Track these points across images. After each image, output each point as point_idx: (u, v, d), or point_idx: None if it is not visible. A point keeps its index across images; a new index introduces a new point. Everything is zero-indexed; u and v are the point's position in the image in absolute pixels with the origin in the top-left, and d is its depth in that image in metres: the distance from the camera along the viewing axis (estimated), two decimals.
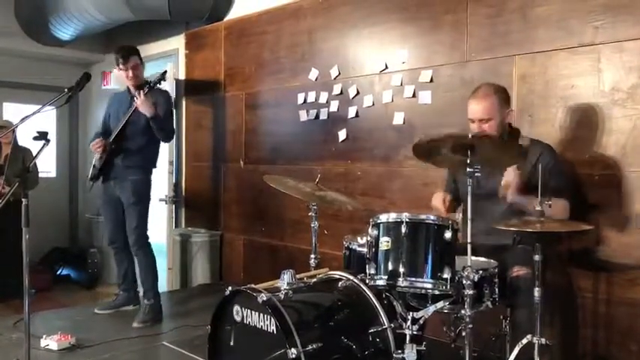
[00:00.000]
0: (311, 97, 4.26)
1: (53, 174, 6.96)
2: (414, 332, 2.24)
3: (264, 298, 2.15)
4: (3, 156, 5.17)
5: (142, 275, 3.98)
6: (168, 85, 5.24)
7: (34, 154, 5.81)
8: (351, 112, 3.98)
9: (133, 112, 3.80)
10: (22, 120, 2.70)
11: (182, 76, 5.52)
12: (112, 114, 4.05)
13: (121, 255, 4.09)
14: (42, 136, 3.60)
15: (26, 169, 2.90)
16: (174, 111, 4.12)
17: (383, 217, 2.34)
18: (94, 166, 4.00)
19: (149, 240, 4.00)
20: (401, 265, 2.23)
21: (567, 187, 2.63)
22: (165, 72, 3.99)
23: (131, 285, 4.15)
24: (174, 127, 4.12)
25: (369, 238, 2.37)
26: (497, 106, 2.63)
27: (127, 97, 3.96)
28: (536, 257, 2.27)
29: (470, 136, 2.21)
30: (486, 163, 2.33)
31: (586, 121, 2.90)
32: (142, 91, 3.73)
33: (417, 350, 2.21)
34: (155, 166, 4.10)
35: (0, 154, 5.27)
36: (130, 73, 3.88)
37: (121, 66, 3.89)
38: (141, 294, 4.08)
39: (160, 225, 5.90)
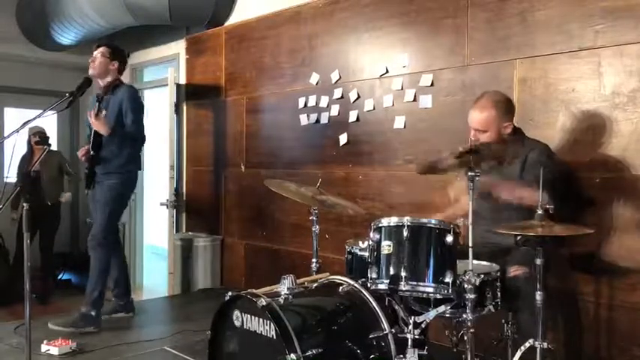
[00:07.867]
0: (312, 101, 4.26)
1: None
2: (416, 336, 2.23)
3: (264, 303, 2.13)
4: (35, 159, 5.22)
5: (90, 277, 3.82)
6: (169, 90, 5.27)
7: (67, 158, 5.92)
8: (352, 116, 3.98)
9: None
10: (23, 125, 2.69)
11: (183, 81, 5.53)
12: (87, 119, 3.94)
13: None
14: (43, 140, 3.60)
15: (27, 174, 2.90)
16: (142, 110, 3.92)
17: (384, 221, 2.33)
18: (85, 174, 3.95)
19: (106, 243, 3.82)
20: (402, 269, 2.23)
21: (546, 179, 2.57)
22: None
23: (124, 292, 4.07)
24: (143, 130, 3.90)
25: (370, 242, 2.37)
26: (494, 120, 2.62)
27: (95, 102, 3.86)
28: (538, 261, 2.26)
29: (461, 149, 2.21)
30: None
31: (587, 124, 2.89)
32: (93, 112, 3.65)
33: (419, 355, 2.20)
34: (138, 168, 3.99)
35: (32, 158, 5.40)
36: (94, 62, 3.81)
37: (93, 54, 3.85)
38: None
39: (161, 229, 5.91)
